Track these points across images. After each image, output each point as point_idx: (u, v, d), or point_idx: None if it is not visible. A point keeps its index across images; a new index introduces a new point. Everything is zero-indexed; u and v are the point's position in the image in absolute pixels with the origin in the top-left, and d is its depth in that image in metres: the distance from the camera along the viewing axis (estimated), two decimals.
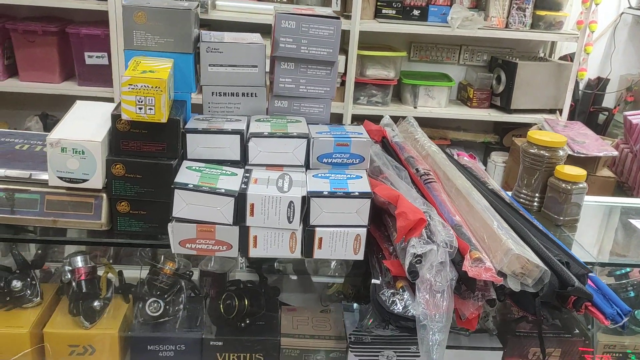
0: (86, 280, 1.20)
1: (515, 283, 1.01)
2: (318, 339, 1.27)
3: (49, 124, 3.12)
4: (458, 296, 1.03)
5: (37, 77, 3.01)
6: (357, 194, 1.13)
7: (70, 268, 1.21)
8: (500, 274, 1.00)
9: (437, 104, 3.21)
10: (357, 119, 3.06)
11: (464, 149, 3.40)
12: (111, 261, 1.44)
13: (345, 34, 3.06)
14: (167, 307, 1.22)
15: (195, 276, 1.44)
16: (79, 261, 1.21)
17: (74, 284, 1.20)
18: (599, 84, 3.49)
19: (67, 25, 2.97)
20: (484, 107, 3.27)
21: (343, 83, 3.05)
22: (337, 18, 1.26)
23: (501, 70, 3.18)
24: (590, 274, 1.10)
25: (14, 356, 1.19)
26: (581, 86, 3.47)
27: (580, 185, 1.40)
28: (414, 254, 1.00)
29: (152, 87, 1.07)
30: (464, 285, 1.02)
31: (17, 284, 1.22)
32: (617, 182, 2.85)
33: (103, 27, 2.91)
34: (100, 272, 1.30)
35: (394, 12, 3.08)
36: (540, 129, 2.94)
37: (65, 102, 3.35)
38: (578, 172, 1.40)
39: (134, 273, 1.37)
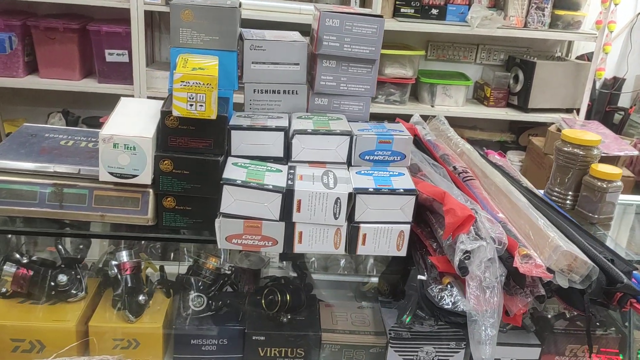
0: (131, 275, 1.22)
1: (563, 279, 1.02)
2: (358, 335, 1.28)
3: (70, 121, 3.14)
4: (506, 292, 1.04)
5: (57, 74, 3.03)
6: (402, 190, 1.15)
7: (116, 263, 1.22)
8: (549, 270, 1.02)
9: (454, 102, 3.23)
10: (375, 118, 3.06)
11: (479, 149, 3.41)
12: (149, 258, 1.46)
13: None
14: (210, 301, 1.24)
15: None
16: (124, 256, 1.23)
17: (119, 277, 1.21)
18: (615, 84, 3.49)
19: (88, 23, 2.99)
20: (500, 106, 3.28)
21: None
22: (381, 17, 1.28)
23: (519, 70, 3.19)
24: (634, 272, 1.11)
25: (60, 350, 1.20)
26: (597, 86, 3.48)
27: (616, 184, 1.41)
28: (464, 250, 1.01)
29: (203, 84, 1.08)
30: (513, 282, 1.03)
31: (62, 278, 1.23)
32: (636, 181, 2.85)
33: (124, 24, 2.93)
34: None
35: (412, 11, 3.10)
36: (559, 128, 2.95)
37: (85, 99, 3.38)
38: (614, 170, 1.41)
39: (174, 269, 1.39)
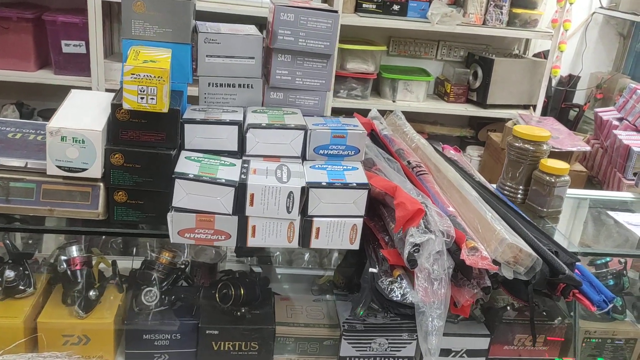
0: (81, 270, 1.20)
1: (508, 271, 1.05)
2: (312, 327, 1.29)
3: (24, 113, 3.05)
4: (454, 284, 1.07)
5: (11, 64, 2.94)
6: (354, 184, 1.16)
7: (66, 257, 1.20)
8: (495, 262, 1.04)
9: (415, 98, 3.26)
10: (337, 112, 3.08)
11: (440, 143, 3.46)
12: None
13: None
14: (163, 296, 1.23)
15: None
16: (74, 250, 1.21)
17: (69, 273, 1.19)
18: (570, 81, 3.59)
19: (43, 12, 2.91)
20: (460, 102, 3.33)
21: None
22: (336, 12, 1.28)
23: (478, 66, 3.24)
24: (577, 263, 1.15)
25: (7, 347, 1.18)
26: (553, 83, 3.57)
27: (564, 178, 1.46)
28: (413, 243, 1.03)
29: (155, 76, 1.07)
30: (460, 274, 1.06)
31: (10, 274, 1.21)
32: (588, 176, 2.94)
33: (81, 15, 2.86)
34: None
35: (374, 6, 3.11)
36: (515, 124, 3.02)
37: (40, 91, 3.29)
38: (561, 165, 1.45)
39: (127, 263, 1.37)
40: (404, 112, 3.22)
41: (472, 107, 3.30)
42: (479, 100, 3.27)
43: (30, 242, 1.30)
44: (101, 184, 1.15)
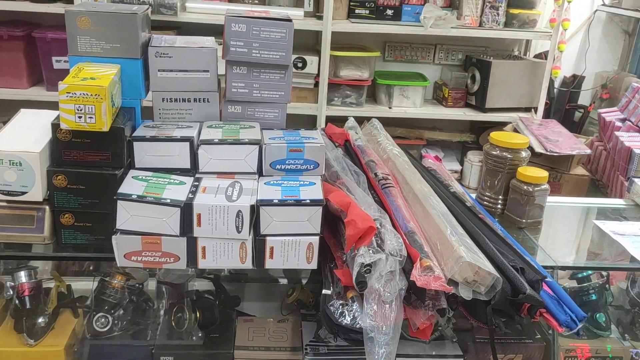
0: (30, 295, 1.16)
1: (467, 291, 0.98)
2: (274, 351, 1.24)
3: None
4: (409, 306, 1.00)
5: (4, 82, 2.95)
6: (308, 201, 1.10)
7: (13, 284, 1.16)
8: (452, 282, 0.98)
9: (412, 103, 3.19)
10: (332, 121, 3.01)
11: (440, 149, 3.39)
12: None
13: (318, 35, 3.03)
14: (116, 321, 1.18)
15: (153, 286, 1.40)
16: (22, 276, 1.17)
17: (16, 300, 1.15)
18: (574, 82, 3.49)
19: (33, 30, 2.91)
20: (459, 107, 3.25)
21: (317, 84, 3.03)
22: (289, 21, 1.23)
23: (475, 69, 3.16)
24: (547, 280, 1.08)
25: None
26: (557, 84, 3.47)
27: (542, 187, 1.38)
28: (362, 263, 0.97)
29: (91, 94, 1.03)
30: (414, 295, 0.99)
31: None
32: (592, 180, 2.84)
33: None
34: (51, 285, 1.26)
35: (367, 12, 3.06)
36: (515, 128, 2.93)
37: (33, 108, 3.26)
38: (539, 173, 1.38)
39: (88, 285, 1.33)
40: (401, 119, 3.20)
41: (471, 111, 3.22)
42: (478, 104, 3.19)
43: None
44: (46, 207, 1.11)
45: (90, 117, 1.04)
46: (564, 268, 1.27)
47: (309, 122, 3.09)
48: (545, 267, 1.16)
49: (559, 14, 3.01)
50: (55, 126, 1.07)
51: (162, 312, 1.29)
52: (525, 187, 1.38)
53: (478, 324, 1.03)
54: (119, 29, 1.18)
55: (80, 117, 1.04)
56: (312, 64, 2.97)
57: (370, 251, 0.98)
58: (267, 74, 1.28)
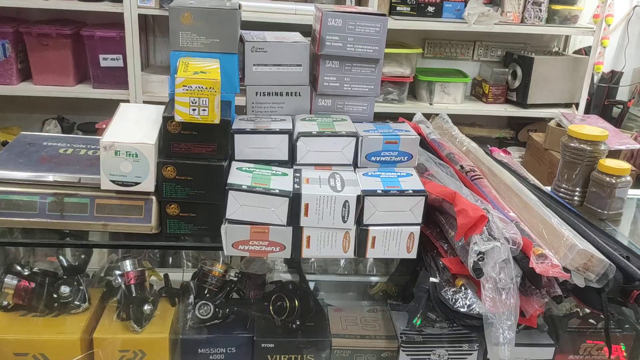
0: (136, 284, 1.19)
1: (579, 279, 1.00)
2: (369, 339, 1.26)
3: (65, 127, 3.11)
4: (521, 293, 1.02)
5: (51, 80, 2.99)
6: (411, 191, 1.12)
7: (120, 272, 1.20)
8: (565, 270, 1.00)
9: (453, 100, 3.21)
10: (375, 117, 3.05)
11: (484, 146, 3.39)
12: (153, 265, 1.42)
13: None
14: (217, 309, 1.21)
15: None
16: (128, 265, 1.20)
17: (123, 287, 1.19)
18: (613, 77, 3.48)
19: (81, 28, 2.96)
20: (499, 103, 3.26)
21: None
22: (384, 15, 1.25)
23: (517, 65, 3.17)
24: None
25: None
26: (595, 80, 3.47)
27: (625, 179, 1.39)
28: (478, 251, 0.98)
29: (206, 88, 1.05)
30: (528, 282, 1.01)
31: (65, 289, 1.20)
32: (638, 175, 2.84)
33: (118, 29, 2.90)
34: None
35: (408, 9, 3.08)
36: (559, 124, 2.94)
37: (80, 105, 3.34)
38: (622, 165, 1.39)
39: (178, 276, 1.36)
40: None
41: (511, 107, 3.23)
42: (519, 100, 3.19)
43: (82, 257, 1.30)
44: (154, 198, 1.13)
45: (204, 110, 1.07)
46: None
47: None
48: None
49: (602, 9, 3.01)
50: (167, 118, 1.10)
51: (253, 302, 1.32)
52: (607, 179, 1.39)
53: (592, 311, 1.05)
54: (219, 25, 1.21)
55: (194, 110, 1.06)
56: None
57: (484, 239, 1.00)
58: (359, 67, 1.30)
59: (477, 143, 3.52)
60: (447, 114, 3.22)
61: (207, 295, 1.21)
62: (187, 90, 1.05)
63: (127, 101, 2.95)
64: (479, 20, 2.96)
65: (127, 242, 1.14)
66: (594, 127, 1.48)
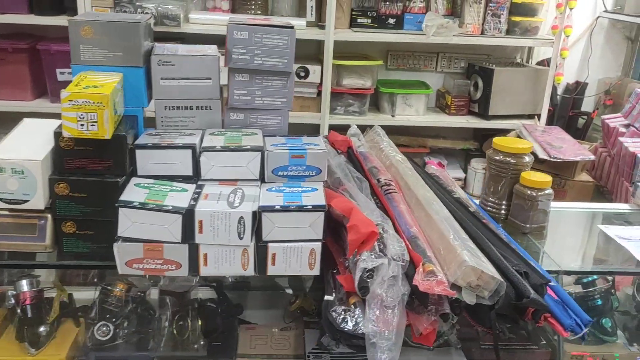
0: (32, 304, 1.16)
1: (470, 296, 0.97)
2: (276, 359, 1.23)
3: None
4: (412, 311, 0.99)
5: (8, 95, 2.96)
6: (310, 207, 1.10)
7: (15, 292, 1.16)
8: (455, 286, 0.97)
9: (415, 112, 3.19)
10: (335, 130, 3.02)
11: (443, 157, 3.38)
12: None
13: (320, 44, 3.04)
14: (117, 330, 1.18)
15: (156, 295, 1.39)
16: (24, 285, 1.17)
17: (18, 309, 1.15)
18: (577, 88, 3.48)
19: (37, 42, 2.94)
20: (462, 114, 3.25)
21: (319, 93, 3.03)
22: (291, 27, 1.24)
23: (478, 77, 3.16)
24: (551, 284, 1.07)
25: None
26: (560, 91, 3.46)
27: (546, 192, 1.37)
28: (365, 268, 0.96)
29: (94, 102, 1.03)
30: (417, 300, 0.98)
31: None
32: (596, 186, 2.82)
33: None
34: (53, 294, 1.26)
35: (369, 21, 3.07)
36: (519, 135, 2.92)
37: None
38: (543, 178, 1.37)
39: (90, 295, 1.33)
40: (404, 127, 3.19)
41: (474, 118, 3.22)
42: (481, 112, 3.18)
43: None
44: (48, 215, 1.11)
45: (93, 125, 1.04)
46: (568, 273, 1.26)
47: (312, 131, 3.08)
48: (550, 272, 1.15)
49: (561, 20, 3.01)
50: (58, 134, 1.08)
51: (165, 321, 1.29)
52: (529, 192, 1.38)
53: (482, 329, 1.02)
54: (121, 38, 1.19)
55: (82, 125, 1.04)
56: (314, 73, 2.98)
57: (373, 256, 0.98)
58: (269, 80, 1.28)
59: (442, 155, 3.50)
60: (410, 126, 3.22)
61: (107, 315, 1.18)
62: (73, 105, 1.03)
63: None
64: (438, 32, 2.95)
65: (18, 262, 1.11)
66: (517, 140, 1.46)
